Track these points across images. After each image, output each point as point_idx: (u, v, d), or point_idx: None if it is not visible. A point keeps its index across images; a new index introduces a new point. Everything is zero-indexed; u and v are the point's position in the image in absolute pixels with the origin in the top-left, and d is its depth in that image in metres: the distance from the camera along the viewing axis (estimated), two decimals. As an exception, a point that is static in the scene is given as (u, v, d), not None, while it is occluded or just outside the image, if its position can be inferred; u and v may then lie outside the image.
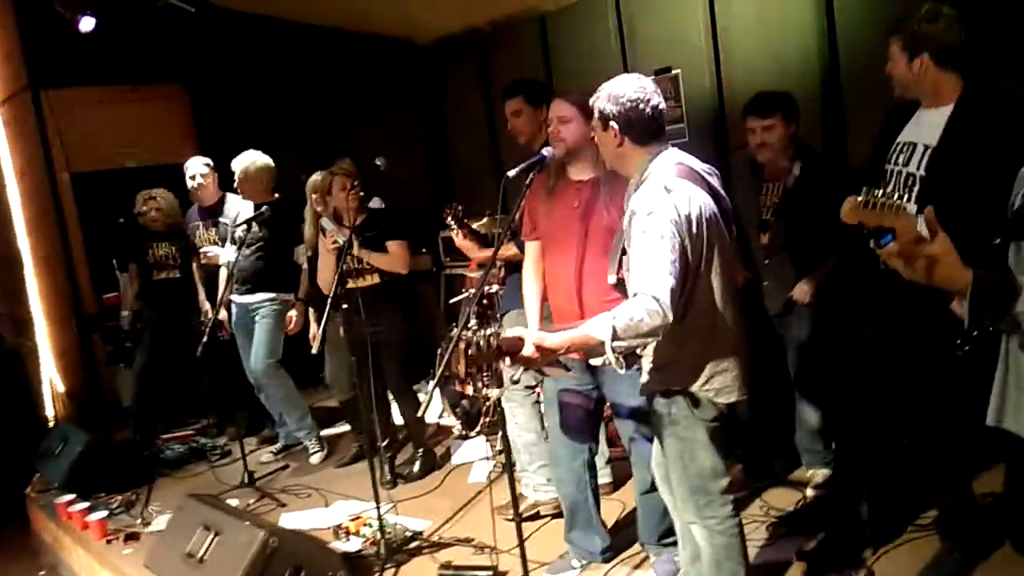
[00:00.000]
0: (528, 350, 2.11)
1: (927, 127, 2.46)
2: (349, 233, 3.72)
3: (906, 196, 2.45)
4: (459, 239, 3.49)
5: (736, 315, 2.26)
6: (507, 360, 2.16)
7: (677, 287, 2.04)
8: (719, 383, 2.21)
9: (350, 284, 3.92)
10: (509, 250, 3.22)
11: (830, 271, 3.16)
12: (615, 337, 2.01)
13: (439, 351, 4.13)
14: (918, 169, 2.45)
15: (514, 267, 3.34)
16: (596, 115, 2.27)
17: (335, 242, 3.88)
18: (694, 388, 2.21)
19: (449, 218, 3.45)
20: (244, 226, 4.26)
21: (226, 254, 4.57)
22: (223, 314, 4.64)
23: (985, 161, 2.23)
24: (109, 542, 3.78)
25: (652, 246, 2.06)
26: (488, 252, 3.30)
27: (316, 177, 4.18)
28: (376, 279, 4.04)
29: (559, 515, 3.28)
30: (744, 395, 2.24)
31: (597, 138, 2.33)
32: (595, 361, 2.16)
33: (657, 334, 2.07)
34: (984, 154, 2.26)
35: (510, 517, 3.18)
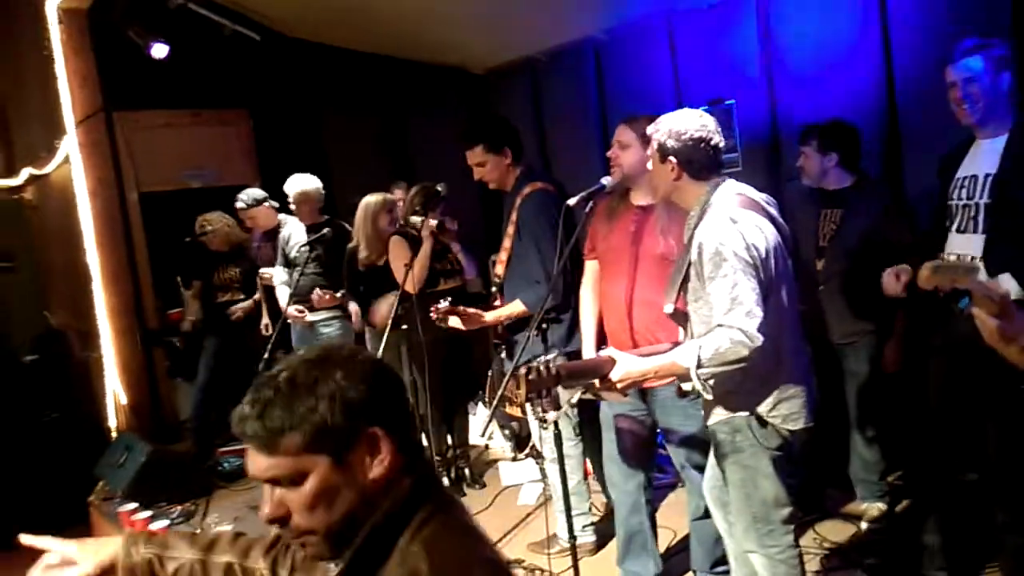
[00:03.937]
0: (618, 373, 2.17)
1: (985, 157, 2.49)
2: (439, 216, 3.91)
3: (971, 226, 2.50)
4: (463, 324, 3.31)
5: (801, 342, 2.30)
6: (597, 382, 2.22)
7: (761, 313, 2.08)
8: (786, 409, 2.23)
9: (441, 285, 4.10)
10: (517, 308, 3.24)
11: (905, 328, 3.18)
12: (699, 365, 2.07)
13: (490, 373, 4.23)
14: (981, 198, 2.48)
15: (518, 325, 3.30)
16: (655, 147, 2.33)
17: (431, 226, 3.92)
18: (760, 411, 2.24)
19: (445, 316, 3.31)
20: (307, 247, 4.39)
21: (278, 275, 4.71)
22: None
23: None
24: (170, 551, 3.90)
25: (730, 277, 2.11)
26: (499, 312, 3.29)
27: (378, 198, 4.38)
28: (459, 281, 4.26)
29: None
30: (811, 422, 2.25)
31: (653, 168, 2.37)
32: (685, 386, 2.21)
33: (746, 362, 2.09)
34: None
35: (543, 552, 3.24)
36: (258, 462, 1.12)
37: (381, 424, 1.12)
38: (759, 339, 2.06)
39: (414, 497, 1.13)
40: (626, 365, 2.19)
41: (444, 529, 1.12)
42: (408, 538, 1.11)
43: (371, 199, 4.41)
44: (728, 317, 2.09)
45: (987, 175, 2.47)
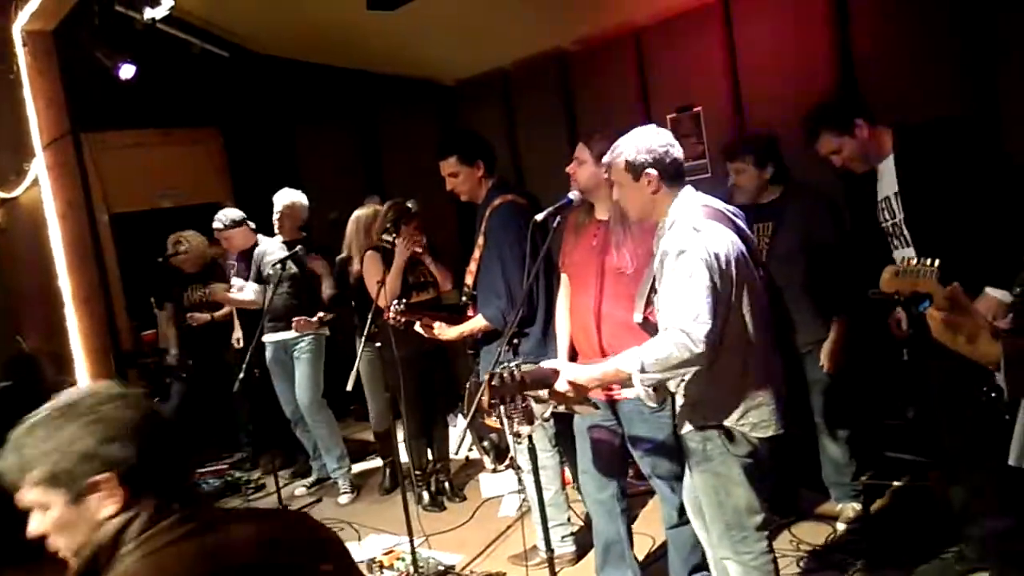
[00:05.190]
0: (562, 386, 2.19)
1: (886, 179, 2.67)
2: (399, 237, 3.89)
3: (903, 242, 2.64)
4: (426, 331, 3.39)
5: (769, 351, 2.30)
6: (543, 393, 2.23)
7: (710, 320, 2.08)
8: (755, 417, 2.23)
9: (414, 298, 4.09)
10: (479, 323, 3.26)
11: (843, 334, 3.21)
12: (643, 370, 2.09)
13: (467, 385, 4.24)
14: (899, 215, 2.64)
15: (487, 337, 3.32)
16: (623, 168, 2.30)
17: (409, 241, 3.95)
18: (728, 423, 2.24)
19: (400, 318, 3.37)
20: (279, 265, 4.37)
21: (248, 289, 4.68)
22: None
23: (939, 181, 2.48)
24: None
25: (682, 283, 2.12)
26: (462, 328, 3.33)
27: (368, 210, 4.39)
28: (433, 293, 4.25)
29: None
30: (781, 429, 2.25)
31: (627, 191, 2.34)
32: (628, 393, 2.23)
33: (690, 366, 2.10)
34: (936, 176, 2.50)
35: (523, 564, 3.24)
36: (19, 493, 1.29)
37: (112, 470, 1.25)
38: (702, 345, 2.05)
39: (138, 524, 1.26)
40: (570, 375, 2.22)
41: (166, 545, 1.24)
42: (125, 553, 1.25)
43: (361, 212, 4.44)
44: (674, 320, 2.11)
45: (895, 193, 2.63)
